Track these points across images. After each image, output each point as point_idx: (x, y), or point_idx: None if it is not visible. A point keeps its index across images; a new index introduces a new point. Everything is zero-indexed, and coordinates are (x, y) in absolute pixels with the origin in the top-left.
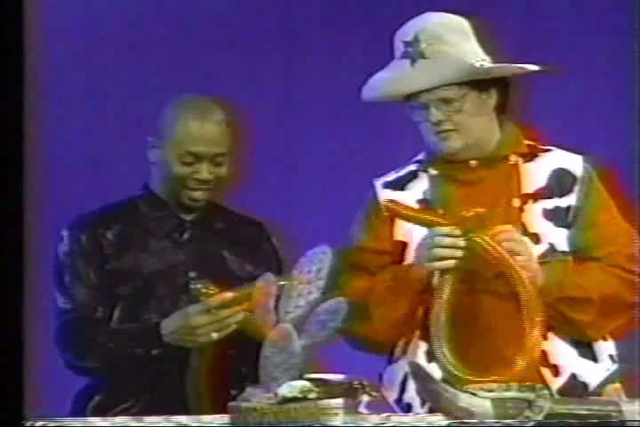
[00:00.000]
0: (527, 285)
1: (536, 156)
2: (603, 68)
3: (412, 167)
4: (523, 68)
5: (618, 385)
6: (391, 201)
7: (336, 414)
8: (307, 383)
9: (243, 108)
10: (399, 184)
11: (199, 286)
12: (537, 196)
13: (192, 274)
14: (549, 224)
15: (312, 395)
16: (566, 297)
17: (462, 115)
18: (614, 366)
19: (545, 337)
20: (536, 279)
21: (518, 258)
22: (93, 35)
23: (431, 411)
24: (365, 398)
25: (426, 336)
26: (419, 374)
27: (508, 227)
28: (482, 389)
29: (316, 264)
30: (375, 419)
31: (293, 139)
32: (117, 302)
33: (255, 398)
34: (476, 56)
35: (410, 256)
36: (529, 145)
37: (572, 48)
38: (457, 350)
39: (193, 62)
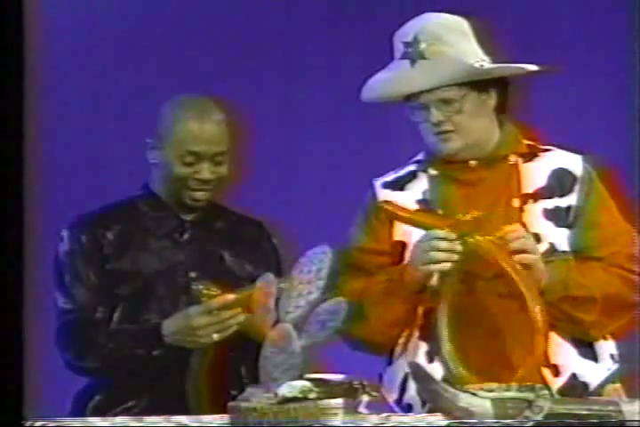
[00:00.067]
0: (530, 286)
1: (536, 156)
2: (603, 68)
3: (412, 167)
4: (522, 68)
5: (618, 385)
6: (387, 202)
7: (336, 414)
8: (307, 383)
9: (242, 108)
10: (398, 184)
11: (200, 287)
12: (537, 196)
13: (192, 274)
14: (550, 224)
15: (312, 395)
16: (570, 296)
17: (462, 115)
18: (615, 366)
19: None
20: (541, 278)
21: (530, 256)
22: (93, 35)
23: (431, 411)
24: (365, 398)
25: (426, 336)
26: (419, 374)
27: (516, 226)
28: (482, 389)
29: (316, 264)
30: (375, 419)
31: (293, 139)
32: (117, 303)
33: (255, 398)
34: (476, 56)
35: (409, 256)
36: (529, 145)
37: (572, 48)
38: (460, 352)
39: (193, 62)
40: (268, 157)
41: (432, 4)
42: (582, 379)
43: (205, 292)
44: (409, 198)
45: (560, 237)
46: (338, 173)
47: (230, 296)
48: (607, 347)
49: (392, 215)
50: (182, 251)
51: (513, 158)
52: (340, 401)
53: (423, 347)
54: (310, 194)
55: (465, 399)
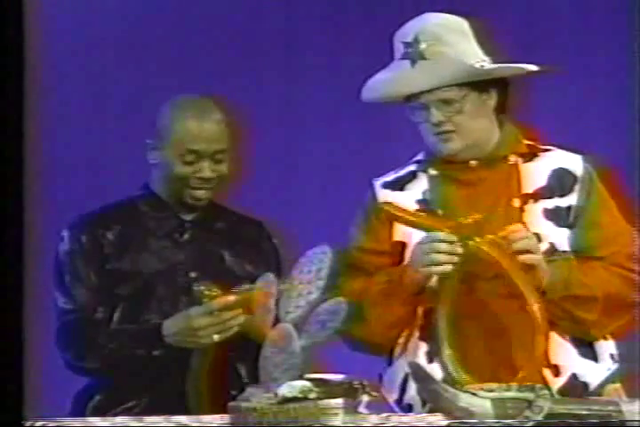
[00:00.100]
0: (530, 286)
1: (536, 156)
2: (603, 68)
3: (412, 167)
4: (523, 68)
5: (618, 385)
6: (388, 204)
7: (336, 414)
8: (307, 383)
9: (242, 108)
10: (398, 184)
11: (202, 287)
12: (537, 195)
13: (192, 274)
14: (550, 224)
15: (312, 395)
16: (571, 295)
17: (462, 116)
18: (615, 366)
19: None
20: (543, 278)
21: (534, 256)
22: (93, 35)
23: (431, 411)
24: (365, 398)
25: (425, 337)
26: (419, 374)
27: (519, 226)
28: (482, 389)
29: (316, 264)
30: (375, 419)
31: (293, 139)
32: (117, 303)
33: (255, 398)
34: (476, 57)
35: (409, 256)
36: (529, 145)
37: (572, 48)
38: (460, 353)
39: (193, 62)
40: (268, 156)
41: (432, 5)
42: (582, 379)
43: (206, 293)
44: (409, 198)
45: (560, 237)
46: (338, 173)
47: (231, 297)
48: (607, 347)
49: (393, 217)
50: (182, 251)
51: (513, 158)
52: (339, 401)
53: (423, 347)
54: (310, 194)
55: (465, 399)
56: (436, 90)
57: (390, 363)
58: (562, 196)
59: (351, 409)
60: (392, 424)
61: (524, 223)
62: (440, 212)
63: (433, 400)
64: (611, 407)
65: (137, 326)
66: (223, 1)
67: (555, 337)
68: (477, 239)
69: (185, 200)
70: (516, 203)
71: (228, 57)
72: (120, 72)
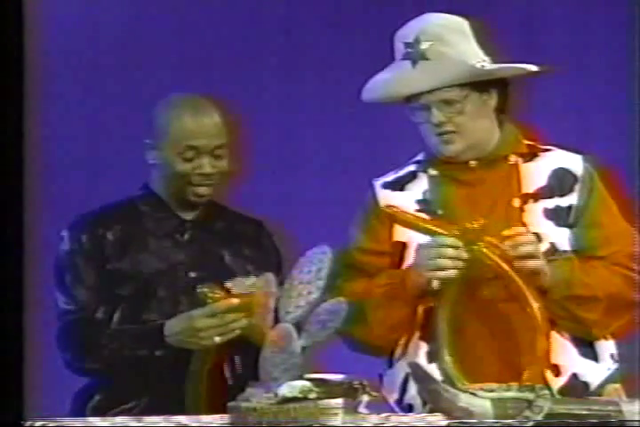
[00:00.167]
0: (531, 289)
1: (536, 155)
2: (603, 68)
3: (412, 168)
4: (523, 68)
5: (618, 385)
6: (393, 207)
7: (336, 414)
8: (307, 383)
9: (241, 107)
10: (398, 185)
11: (205, 289)
12: (537, 195)
13: (192, 274)
14: (550, 224)
15: (312, 395)
16: (573, 295)
17: (464, 116)
18: (615, 366)
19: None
20: (545, 280)
21: (537, 262)
22: (93, 35)
23: (431, 411)
24: (365, 398)
25: (426, 337)
26: (418, 374)
27: (521, 229)
28: (482, 389)
29: (316, 264)
30: (375, 419)
31: (293, 139)
32: (118, 303)
33: (255, 398)
34: (477, 57)
35: (410, 257)
36: (529, 145)
37: (572, 48)
38: (462, 357)
39: (193, 62)
40: (268, 156)
41: (432, 4)
42: (583, 379)
43: (210, 294)
44: (409, 199)
45: (561, 237)
46: (338, 173)
47: (235, 300)
48: (607, 347)
49: (398, 220)
50: (182, 251)
51: (513, 158)
52: (340, 401)
53: (423, 347)
54: (310, 194)
55: (465, 399)
56: (437, 90)
57: (391, 363)
58: (562, 195)
59: (351, 409)
60: (392, 424)
61: (524, 223)
62: (440, 212)
63: (433, 400)
64: (610, 407)
65: (139, 326)
66: (223, 1)
67: (555, 337)
68: (481, 244)
69: (187, 198)
70: (517, 203)
71: (228, 57)
72: (120, 72)
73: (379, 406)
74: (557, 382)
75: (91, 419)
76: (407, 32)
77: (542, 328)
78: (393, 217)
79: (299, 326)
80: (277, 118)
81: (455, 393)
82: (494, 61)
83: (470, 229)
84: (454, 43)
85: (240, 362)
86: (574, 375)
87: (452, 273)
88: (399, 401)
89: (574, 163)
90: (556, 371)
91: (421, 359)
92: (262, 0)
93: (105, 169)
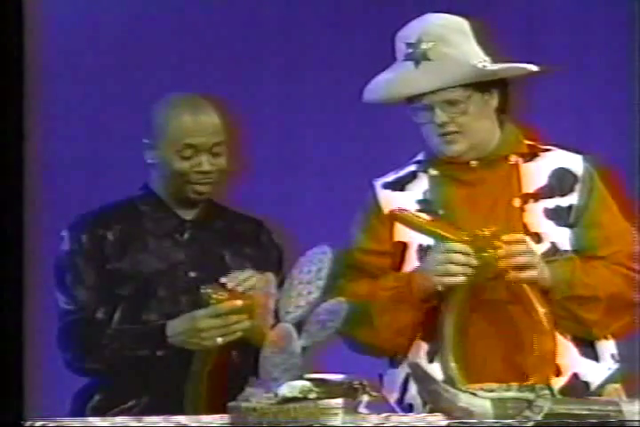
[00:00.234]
0: (536, 293)
1: (536, 155)
2: (603, 68)
3: (412, 168)
4: (526, 68)
5: (618, 385)
6: (402, 211)
7: (336, 414)
8: (307, 383)
9: (241, 107)
10: (399, 185)
11: (209, 290)
12: (538, 195)
13: (192, 274)
14: (551, 223)
15: (312, 395)
16: (574, 295)
17: (467, 116)
18: (615, 366)
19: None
20: (545, 281)
21: (532, 273)
22: (93, 35)
23: (431, 411)
24: (365, 398)
25: (426, 337)
26: (418, 374)
27: (520, 236)
28: (482, 389)
29: (316, 264)
30: (375, 419)
31: (294, 139)
32: (118, 303)
33: (255, 398)
34: (478, 57)
35: (410, 257)
36: (529, 145)
37: (572, 48)
38: (467, 359)
39: (193, 62)
40: (268, 156)
41: (433, 5)
42: (583, 378)
43: (214, 296)
44: (409, 199)
45: (561, 237)
46: (338, 173)
47: (239, 302)
48: (608, 347)
49: (407, 223)
50: (182, 250)
51: (513, 158)
52: (340, 401)
53: (425, 347)
54: (310, 194)
55: (465, 399)
56: (441, 91)
57: (392, 363)
58: (562, 195)
59: (351, 409)
60: (392, 424)
61: (524, 223)
62: (441, 212)
63: (433, 400)
64: (610, 407)
65: (140, 326)
66: (223, 1)
67: (557, 337)
68: (491, 251)
69: (186, 196)
70: (517, 203)
71: (228, 57)
72: (120, 72)
73: (379, 406)
74: (558, 382)
75: (91, 419)
76: (409, 32)
77: (549, 333)
78: (403, 220)
79: (299, 326)
80: (277, 118)
81: (455, 393)
82: (494, 61)
83: (480, 236)
84: (456, 43)
85: (240, 362)
86: (575, 375)
87: (460, 280)
88: (399, 401)
89: (574, 163)
90: (557, 371)
91: (422, 359)
92: (262, 0)
93: (105, 169)
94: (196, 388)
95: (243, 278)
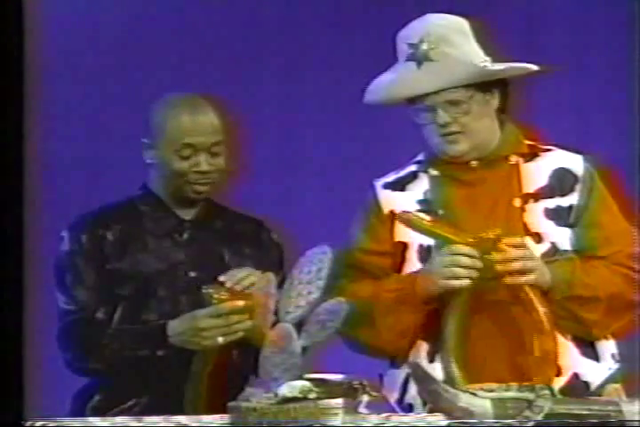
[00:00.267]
0: (539, 299)
1: (537, 155)
2: (603, 68)
3: (413, 168)
4: (529, 68)
5: (618, 385)
6: (408, 213)
7: (336, 414)
8: (307, 383)
9: (241, 107)
10: (399, 185)
11: (211, 290)
12: (538, 195)
13: (192, 274)
14: (551, 223)
15: (312, 395)
16: (575, 296)
17: (469, 116)
18: (616, 366)
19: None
20: (546, 281)
21: (531, 277)
22: (93, 35)
23: (431, 411)
24: (365, 398)
25: (428, 337)
26: (418, 374)
27: (519, 240)
28: (482, 389)
29: (316, 264)
30: (375, 419)
31: (293, 139)
32: (118, 303)
33: (255, 398)
34: (479, 57)
35: (411, 257)
36: (529, 145)
37: (572, 48)
38: (469, 360)
39: (193, 62)
40: (268, 156)
41: (433, 5)
42: (584, 378)
43: (215, 295)
44: (410, 199)
45: (562, 237)
46: (338, 173)
47: (240, 302)
48: (608, 347)
49: (412, 226)
50: (182, 250)
51: (514, 158)
52: (340, 401)
53: (425, 347)
54: (310, 194)
55: (465, 399)
56: (443, 91)
57: (392, 363)
58: (563, 195)
59: (351, 409)
60: (392, 424)
61: (524, 223)
62: (441, 212)
63: (433, 400)
64: (610, 407)
65: (141, 326)
66: (223, 1)
67: (557, 337)
68: (495, 254)
69: (186, 195)
70: (517, 203)
71: (228, 57)
72: (120, 72)
73: (379, 406)
74: (558, 382)
75: (91, 419)
76: (410, 33)
77: (549, 333)
78: (408, 222)
79: (299, 326)
80: (277, 118)
81: (455, 393)
82: (494, 61)
83: (485, 239)
84: (458, 43)
85: (240, 362)
86: (575, 375)
87: (465, 282)
88: (400, 401)
89: (575, 163)
90: (558, 371)
91: (422, 359)
92: (262, 0)
93: (105, 169)
94: (196, 388)
95: (241, 277)
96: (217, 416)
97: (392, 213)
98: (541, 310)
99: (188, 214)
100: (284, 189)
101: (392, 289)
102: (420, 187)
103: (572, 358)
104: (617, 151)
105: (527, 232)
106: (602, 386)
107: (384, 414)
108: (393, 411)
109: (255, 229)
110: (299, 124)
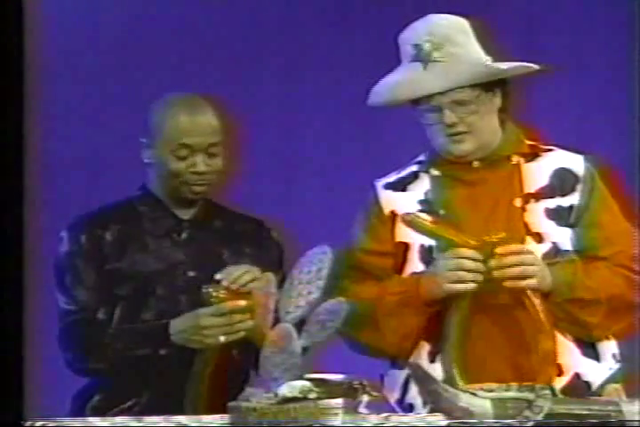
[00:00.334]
0: (537, 296)
1: (537, 155)
2: (603, 68)
3: (414, 168)
4: (533, 67)
5: (618, 385)
6: (412, 214)
7: (336, 414)
8: (307, 383)
9: (241, 107)
10: (400, 185)
11: (210, 289)
12: (539, 195)
13: (191, 273)
14: (552, 223)
15: (312, 395)
16: (576, 298)
17: (475, 116)
18: (617, 366)
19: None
20: (546, 283)
21: (532, 281)
22: (93, 34)
23: (432, 411)
24: (365, 398)
25: (429, 337)
26: (418, 374)
27: (517, 247)
28: (482, 389)
29: (316, 264)
30: (375, 419)
31: (293, 139)
32: (118, 303)
33: (255, 398)
34: (482, 57)
35: (412, 258)
36: (530, 145)
37: (572, 48)
38: (470, 361)
39: (193, 62)
40: (268, 157)
41: (433, 5)
42: (585, 378)
43: (214, 294)
44: (411, 199)
45: (562, 237)
46: (339, 173)
47: (242, 302)
48: (609, 347)
49: (415, 227)
50: (181, 250)
51: (515, 158)
52: (340, 401)
53: (426, 347)
54: (310, 194)
55: (465, 399)
56: (449, 91)
57: (393, 363)
58: (563, 195)
59: (351, 409)
60: (392, 424)
61: (525, 223)
62: (442, 212)
63: (433, 401)
64: (610, 407)
65: (143, 325)
66: (223, 1)
67: (557, 337)
68: (497, 259)
69: (184, 196)
70: (518, 203)
71: (228, 57)
72: (120, 72)
73: (379, 405)
74: (560, 382)
75: (91, 419)
76: (413, 34)
77: (549, 333)
78: (410, 224)
79: (299, 326)
80: (277, 118)
81: (455, 393)
82: (495, 61)
83: (489, 242)
84: (462, 43)
85: (241, 362)
86: (576, 375)
87: (470, 286)
88: (400, 401)
89: (576, 163)
90: (559, 371)
91: (423, 359)
92: (262, 0)
93: (105, 169)
94: (197, 388)
95: (237, 275)
96: (217, 416)
97: (393, 213)
98: (541, 310)
99: (186, 214)
100: (284, 189)
101: (395, 292)
102: (421, 187)
103: (573, 358)
104: (617, 151)
105: (528, 232)
106: (602, 386)
107: (384, 414)
108: (393, 411)
109: (255, 229)
110: (299, 124)
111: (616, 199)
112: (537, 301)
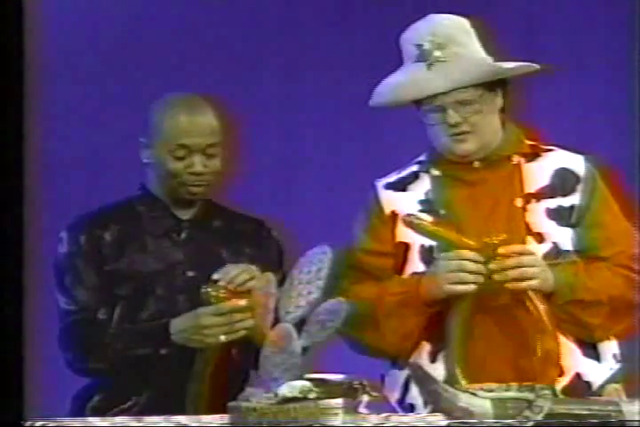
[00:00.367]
0: (539, 297)
1: (538, 156)
2: (603, 68)
3: (414, 168)
4: (535, 66)
5: (618, 385)
6: (413, 215)
7: (336, 414)
8: (307, 383)
9: (241, 107)
10: (401, 185)
11: (209, 289)
12: (540, 195)
13: (190, 273)
14: (553, 223)
15: (312, 395)
16: (577, 300)
17: (479, 116)
18: (617, 366)
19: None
20: (548, 285)
21: (533, 282)
22: (93, 35)
23: (432, 411)
24: (365, 398)
25: (430, 337)
26: (418, 374)
27: (519, 248)
28: (482, 389)
29: (316, 264)
30: (375, 419)
31: (293, 139)
32: (117, 303)
33: (255, 398)
34: (485, 56)
35: (412, 258)
36: (531, 145)
37: (572, 48)
38: (471, 361)
39: (193, 62)
40: (268, 157)
41: (433, 5)
42: (585, 378)
43: (214, 294)
44: (411, 199)
45: (563, 237)
46: (339, 173)
47: (242, 301)
48: (610, 347)
49: (416, 229)
50: (180, 250)
51: (516, 158)
52: (339, 401)
53: (426, 347)
54: (310, 194)
55: (465, 399)
56: (452, 91)
57: (393, 363)
58: (564, 195)
59: (351, 409)
60: (392, 424)
61: (526, 223)
62: (442, 212)
63: (433, 401)
64: (611, 407)
65: (144, 325)
66: (223, 1)
67: (559, 338)
68: (501, 260)
69: (182, 196)
70: (519, 203)
71: (228, 57)
72: (120, 72)
73: (379, 406)
74: (561, 382)
75: (91, 419)
76: (416, 34)
77: (551, 333)
78: (411, 226)
79: (299, 326)
80: (277, 118)
81: (455, 393)
82: (495, 61)
83: (490, 244)
84: (465, 43)
85: (241, 361)
86: (578, 375)
87: (471, 288)
88: (401, 401)
89: (576, 163)
90: (560, 371)
91: (424, 359)
92: (262, 0)
93: (105, 169)
94: (197, 387)
95: (234, 274)
96: (217, 416)
97: (393, 213)
98: (543, 310)
99: (185, 214)
100: (284, 189)
101: (396, 292)
102: (422, 187)
103: (574, 359)
104: (617, 151)
105: (529, 232)
106: (603, 386)
107: (384, 414)
108: (393, 411)
109: (255, 229)
110: (299, 124)
111: (616, 199)
112: (539, 302)
